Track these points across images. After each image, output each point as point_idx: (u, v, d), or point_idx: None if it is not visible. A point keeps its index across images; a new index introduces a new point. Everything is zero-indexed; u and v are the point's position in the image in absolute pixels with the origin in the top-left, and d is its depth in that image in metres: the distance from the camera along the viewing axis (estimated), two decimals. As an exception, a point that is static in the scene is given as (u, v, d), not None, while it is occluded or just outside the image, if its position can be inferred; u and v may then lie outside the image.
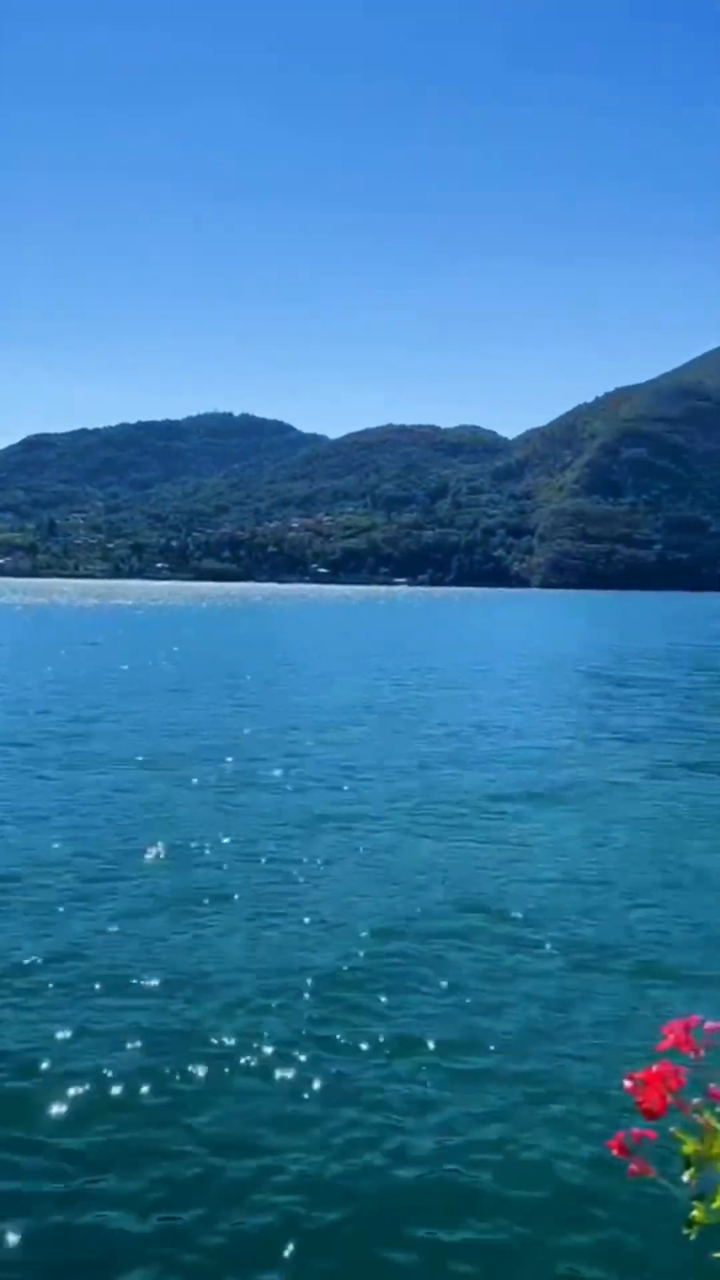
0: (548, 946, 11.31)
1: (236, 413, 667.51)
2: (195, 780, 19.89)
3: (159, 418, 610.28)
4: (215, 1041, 8.79)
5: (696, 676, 47.34)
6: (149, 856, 14.30)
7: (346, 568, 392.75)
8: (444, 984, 10.12)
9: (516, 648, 68.80)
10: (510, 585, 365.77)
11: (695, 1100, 1.30)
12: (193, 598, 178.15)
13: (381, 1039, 8.89)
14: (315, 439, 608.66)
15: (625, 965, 10.79)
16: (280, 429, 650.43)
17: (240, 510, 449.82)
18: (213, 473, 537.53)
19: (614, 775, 21.61)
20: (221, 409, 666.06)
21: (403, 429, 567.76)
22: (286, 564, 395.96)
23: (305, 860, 14.49)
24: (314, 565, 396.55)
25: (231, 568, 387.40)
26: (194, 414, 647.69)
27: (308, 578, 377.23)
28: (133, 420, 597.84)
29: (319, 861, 14.42)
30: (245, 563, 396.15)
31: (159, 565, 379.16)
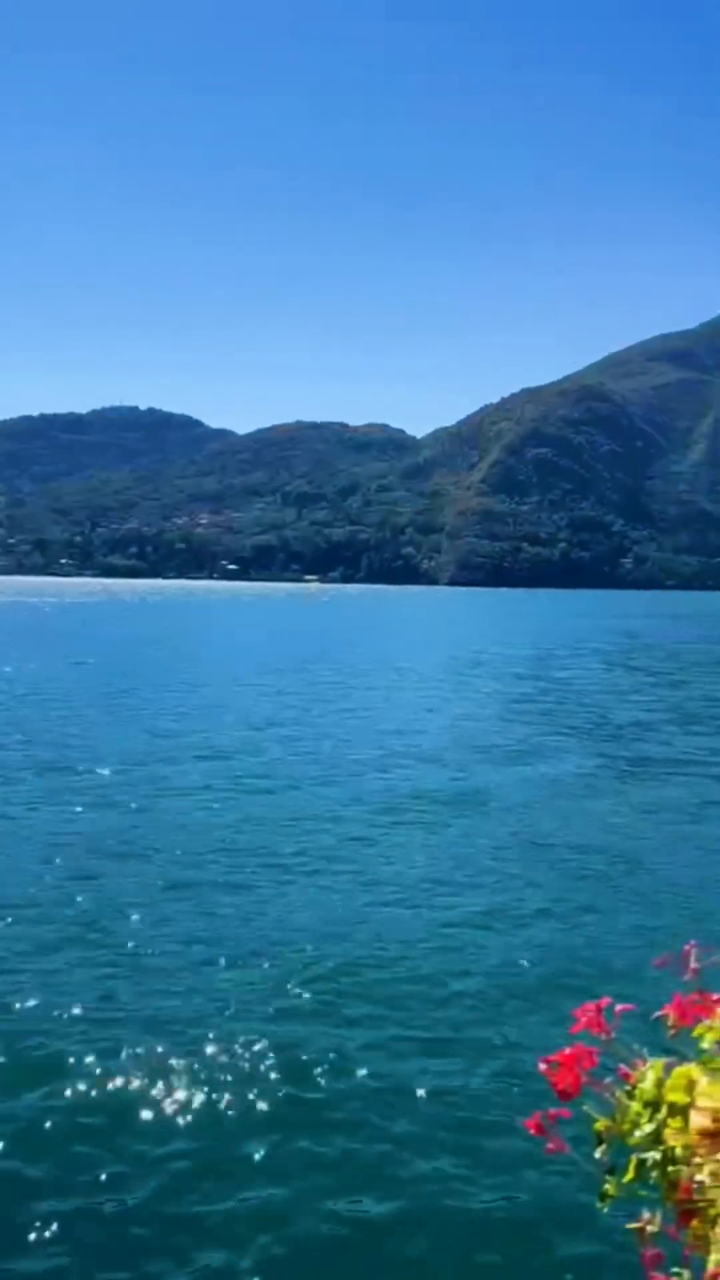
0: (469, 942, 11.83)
1: (143, 406, 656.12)
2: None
3: (62, 410, 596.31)
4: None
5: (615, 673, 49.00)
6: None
7: (256, 565, 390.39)
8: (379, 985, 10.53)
9: (427, 648, 69.79)
10: (419, 583, 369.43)
11: (607, 1080, 1.34)
12: (102, 595, 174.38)
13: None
14: (224, 434, 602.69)
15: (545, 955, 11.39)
16: (188, 424, 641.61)
17: (147, 506, 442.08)
18: (118, 467, 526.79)
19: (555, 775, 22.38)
20: (128, 402, 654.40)
21: (312, 425, 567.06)
22: (195, 561, 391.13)
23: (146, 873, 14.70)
24: (223, 562, 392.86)
25: (138, 564, 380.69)
26: (98, 407, 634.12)
27: (217, 575, 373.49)
28: (35, 412, 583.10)
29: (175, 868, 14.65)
30: (152, 559, 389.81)
31: (63, 561, 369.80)
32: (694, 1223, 1.20)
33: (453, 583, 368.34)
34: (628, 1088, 1.33)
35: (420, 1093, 8.29)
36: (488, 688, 40.85)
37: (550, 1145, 1.34)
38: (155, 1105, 8.01)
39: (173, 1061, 8.61)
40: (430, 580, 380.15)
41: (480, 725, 29.74)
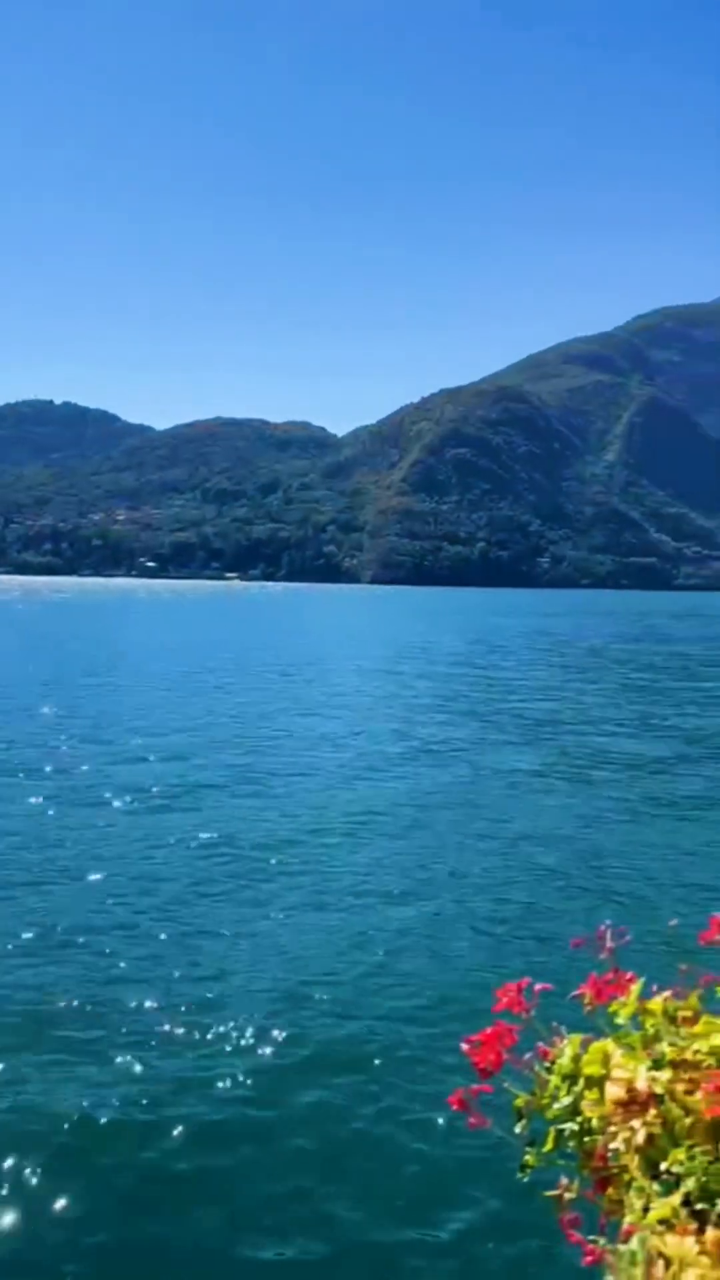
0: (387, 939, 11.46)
1: (58, 400, 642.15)
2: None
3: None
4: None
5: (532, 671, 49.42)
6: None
7: (176, 562, 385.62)
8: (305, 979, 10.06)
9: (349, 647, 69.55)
10: (341, 581, 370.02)
11: (526, 1056, 1.39)
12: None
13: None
14: (142, 430, 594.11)
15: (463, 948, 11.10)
16: (105, 419, 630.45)
17: (63, 502, 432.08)
18: (30, 462, 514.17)
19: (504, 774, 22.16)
20: (42, 396, 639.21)
21: (233, 422, 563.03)
22: (112, 558, 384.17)
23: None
24: (142, 559, 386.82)
25: (54, 561, 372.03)
26: (12, 401, 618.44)
27: (135, 572, 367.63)
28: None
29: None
30: (68, 556, 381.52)
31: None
32: (609, 1190, 1.25)
33: (374, 581, 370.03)
34: (547, 1064, 1.38)
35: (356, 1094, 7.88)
36: (416, 686, 40.69)
37: (472, 1120, 1.38)
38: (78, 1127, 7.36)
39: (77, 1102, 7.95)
40: (352, 578, 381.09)
41: (410, 724, 29.47)
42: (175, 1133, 7.53)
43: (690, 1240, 1.06)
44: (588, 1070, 1.33)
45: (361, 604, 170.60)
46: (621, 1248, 1.13)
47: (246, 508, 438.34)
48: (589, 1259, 1.18)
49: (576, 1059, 1.35)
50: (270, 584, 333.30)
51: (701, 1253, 1.04)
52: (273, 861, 14.57)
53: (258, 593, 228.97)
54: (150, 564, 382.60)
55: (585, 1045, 1.36)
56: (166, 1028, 9.14)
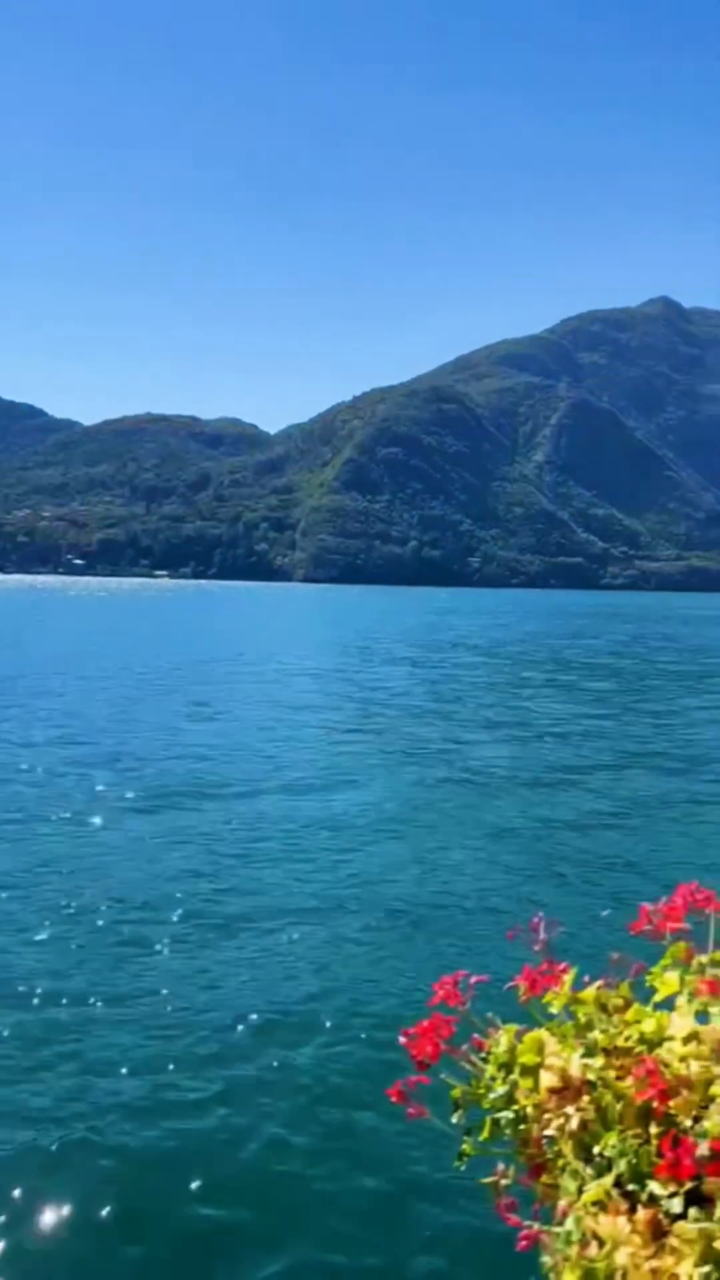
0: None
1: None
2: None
3: None
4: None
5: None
6: None
7: (104, 559, 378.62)
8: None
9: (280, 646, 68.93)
10: (273, 579, 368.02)
11: (463, 1047, 1.40)
12: None
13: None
14: (69, 425, 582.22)
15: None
16: (31, 413, 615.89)
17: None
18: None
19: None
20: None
21: (162, 418, 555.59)
22: (38, 555, 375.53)
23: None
24: (69, 556, 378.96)
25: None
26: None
27: (62, 569, 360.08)
28: None
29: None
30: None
31: None
32: (544, 1175, 1.27)
33: (306, 579, 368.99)
34: (483, 1054, 1.40)
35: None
36: (354, 684, 40.37)
37: (411, 1111, 1.40)
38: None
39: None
40: (284, 577, 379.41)
41: (354, 725, 29.17)
42: (132, 1159, 7.08)
43: (622, 1220, 1.09)
44: (522, 1059, 1.35)
45: (293, 603, 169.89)
46: (557, 1229, 1.15)
47: (177, 505, 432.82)
48: (524, 1243, 1.21)
49: (512, 1049, 1.37)
50: (202, 582, 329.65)
51: (633, 1232, 1.07)
52: (193, 884, 14.05)
53: (190, 591, 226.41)
54: (78, 562, 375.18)
55: (520, 1035, 1.38)
56: (115, 1049, 8.57)
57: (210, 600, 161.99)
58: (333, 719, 28.33)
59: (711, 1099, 1.16)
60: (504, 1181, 1.32)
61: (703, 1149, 1.08)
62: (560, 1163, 1.24)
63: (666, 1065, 1.22)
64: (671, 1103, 1.17)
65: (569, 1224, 1.14)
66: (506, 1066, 1.37)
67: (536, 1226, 1.21)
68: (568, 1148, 1.24)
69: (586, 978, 1.41)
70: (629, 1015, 1.35)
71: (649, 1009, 1.35)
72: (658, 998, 1.36)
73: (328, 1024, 9.00)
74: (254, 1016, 9.07)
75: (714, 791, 19.55)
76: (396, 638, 69.29)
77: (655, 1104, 1.18)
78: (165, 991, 9.44)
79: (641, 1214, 1.09)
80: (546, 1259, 1.15)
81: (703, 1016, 1.28)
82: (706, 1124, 1.13)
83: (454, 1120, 1.38)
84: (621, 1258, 1.06)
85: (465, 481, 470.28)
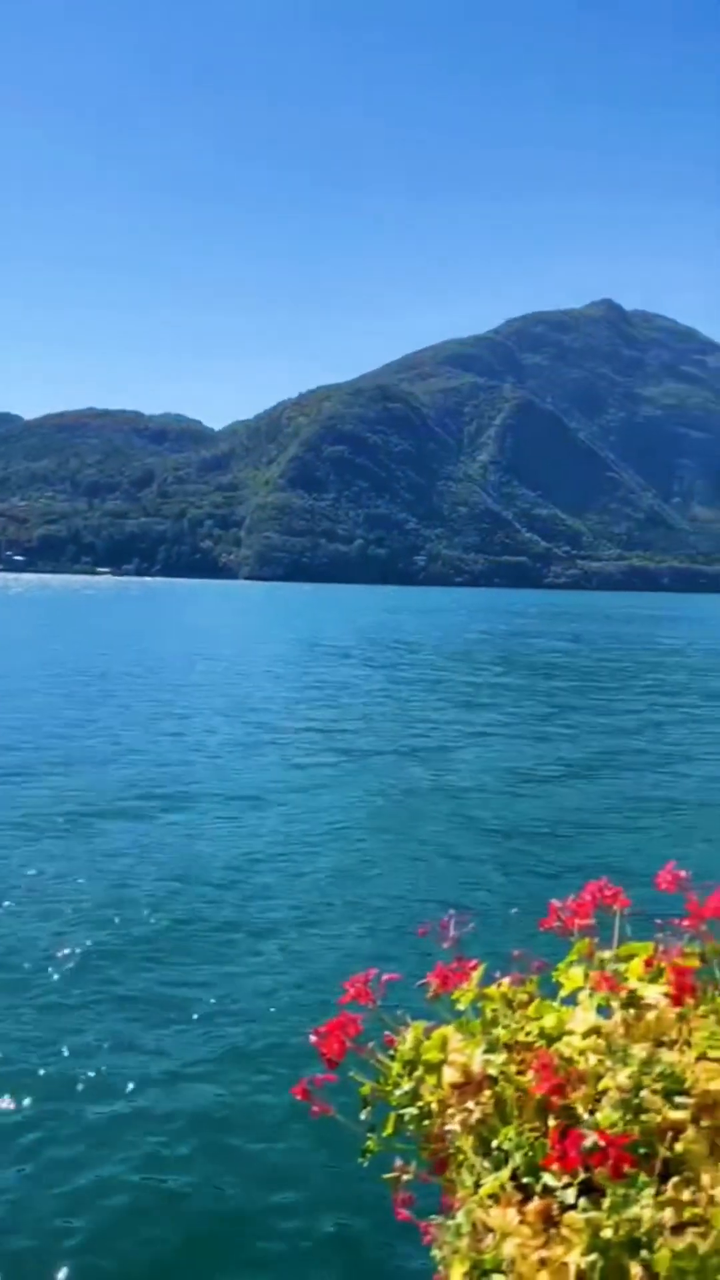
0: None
1: None
2: None
3: None
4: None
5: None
6: None
7: (45, 555, 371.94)
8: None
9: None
10: (218, 576, 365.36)
11: (370, 1044, 1.42)
12: None
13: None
14: (9, 418, 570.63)
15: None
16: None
17: None
18: None
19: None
20: None
21: (105, 413, 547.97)
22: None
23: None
24: (8, 553, 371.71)
25: None
26: None
27: (1, 565, 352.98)
28: None
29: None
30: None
31: None
32: (446, 1171, 1.30)
33: (251, 577, 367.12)
34: (391, 1052, 1.42)
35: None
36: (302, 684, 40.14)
37: (315, 1109, 1.40)
38: None
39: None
40: (229, 574, 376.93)
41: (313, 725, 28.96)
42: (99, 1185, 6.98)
43: (512, 1212, 1.11)
44: (427, 1056, 1.37)
45: (241, 601, 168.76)
46: (448, 1221, 1.18)
47: (120, 501, 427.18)
48: (428, 1238, 1.21)
49: (417, 1046, 1.39)
50: (146, 579, 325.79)
51: (522, 1223, 1.09)
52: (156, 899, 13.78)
53: (135, 589, 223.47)
54: (18, 558, 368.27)
55: (428, 1033, 1.40)
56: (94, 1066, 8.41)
57: (155, 598, 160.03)
58: (288, 723, 28.14)
59: (604, 1092, 1.18)
60: (405, 1177, 1.34)
61: (589, 1141, 1.10)
62: (460, 1158, 1.26)
63: (567, 1060, 1.24)
64: (572, 1096, 1.19)
65: (460, 1216, 1.16)
66: (412, 1064, 1.39)
67: (434, 1220, 1.22)
68: (467, 1143, 1.26)
69: (497, 974, 1.44)
70: (531, 1010, 1.37)
71: (554, 1004, 1.37)
72: (563, 993, 1.38)
73: (295, 1036, 8.77)
74: (222, 1026, 8.91)
75: (671, 786, 19.98)
76: (349, 637, 69.20)
77: (552, 1097, 1.20)
78: (128, 998, 9.23)
79: (531, 1205, 1.11)
80: (436, 1252, 1.17)
81: (604, 1010, 1.30)
82: (599, 1116, 1.16)
83: (361, 1117, 1.40)
84: (509, 1248, 1.08)
85: (411, 480, 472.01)
